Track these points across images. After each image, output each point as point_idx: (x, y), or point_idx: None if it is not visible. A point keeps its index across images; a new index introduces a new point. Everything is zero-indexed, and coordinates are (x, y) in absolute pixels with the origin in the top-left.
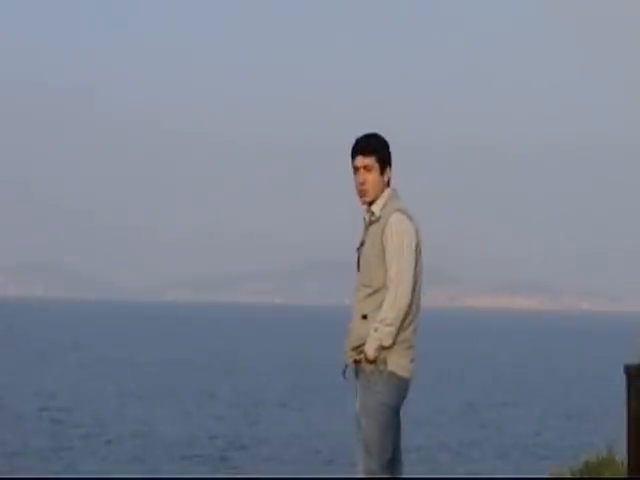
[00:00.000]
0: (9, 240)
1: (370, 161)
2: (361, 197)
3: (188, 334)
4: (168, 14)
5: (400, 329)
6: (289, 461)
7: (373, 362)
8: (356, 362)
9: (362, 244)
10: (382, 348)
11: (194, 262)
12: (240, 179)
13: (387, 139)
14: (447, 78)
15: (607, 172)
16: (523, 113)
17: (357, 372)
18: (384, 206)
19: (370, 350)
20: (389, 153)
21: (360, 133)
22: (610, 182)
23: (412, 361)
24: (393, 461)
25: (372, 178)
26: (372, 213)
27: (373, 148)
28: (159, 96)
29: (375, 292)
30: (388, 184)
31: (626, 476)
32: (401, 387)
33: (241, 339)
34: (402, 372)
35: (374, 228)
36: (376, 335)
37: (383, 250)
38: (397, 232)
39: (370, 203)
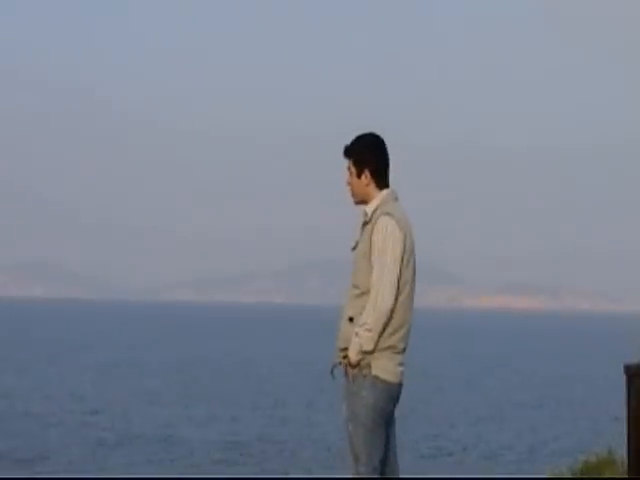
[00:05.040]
0: (9, 240)
1: (349, 164)
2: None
3: (191, 335)
4: (168, 14)
5: (385, 334)
6: (302, 462)
7: (356, 366)
8: (343, 365)
9: (356, 245)
10: (364, 353)
11: (195, 262)
12: (240, 178)
13: (374, 139)
14: (447, 78)
15: (607, 172)
16: (524, 113)
17: (344, 375)
18: (376, 208)
19: (352, 355)
20: (370, 155)
21: (361, 131)
22: (610, 182)
23: (400, 365)
24: (385, 464)
25: (353, 180)
26: (365, 214)
27: (350, 152)
28: (159, 96)
29: (363, 294)
30: (381, 186)
31: (626, 476)
32: (387, 390)
33: (245, 339)
34: (387, 376)
35: (366, 229)
36: (356, 340)
37: (371, 252)
38: (382, 237)
39: (361, 204)
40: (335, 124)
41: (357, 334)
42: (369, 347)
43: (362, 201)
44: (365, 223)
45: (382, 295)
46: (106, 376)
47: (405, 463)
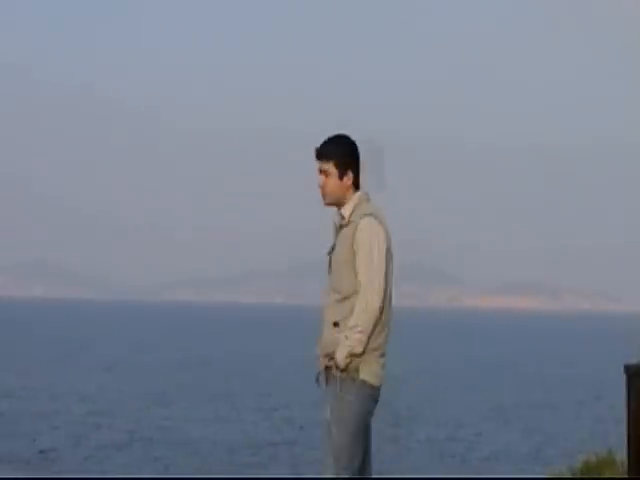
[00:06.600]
0: (9, 240)
1: (328, 166)
2: (322, 199)
3: (192, 335)
4: (168, 14)
5: (372, 336)
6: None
7: (344, 370)
8: (327, 368)
9: (333, 248)
10: (353, 356)
11: (194, 262)
12: (240, 178)
13: (352, 141)
14: (447, 77)
15: (607, 171)
16: (522, 112)
17: (328, 379)
18: (353, 210)
19: (341, 358)
20: (351, 157)
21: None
22: (610, 181)
23: (383, 368)
24: (362, 467)
25: (331, 182)
26: (342, 217)
27: (331, 154)
28: (159, 95)
29: (345, 298)
30: (357, 187)
31: (626, 476)
32: (373, 395)
33: (245, 340)
34: (374, 380)
35: (344, 232)
36: (347, 342)
37: (353, 255)
38: (368, 236)
39: (338, 206)
40: (335, 124)
41: (347, 337)
42: (359, 350)
43: (335, 203)
44: (342, 226)
45: (372, 295)
46: (108, 376)
47: (408, 463)
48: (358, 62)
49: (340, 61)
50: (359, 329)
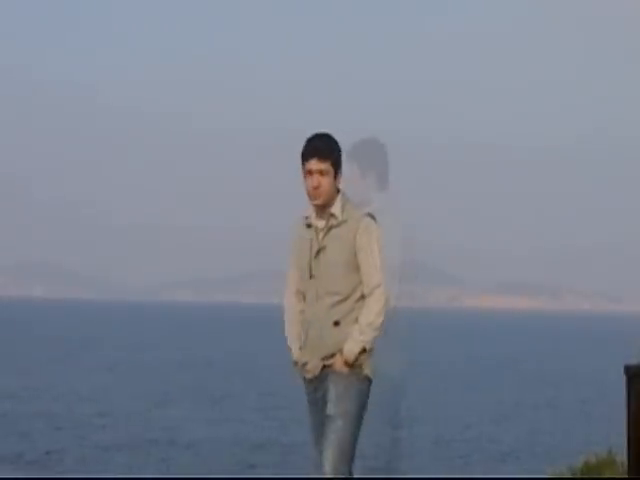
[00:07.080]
0: (8, 240)
1: (326, 166)
2: (313, 199)
3: (192, 335)
4: (168, 14)
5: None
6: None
7: (351, 365)
8: (324, 367)
9: (319, 250)
10: (363, 352)
11: (194, 262)
12: (239, 178)
13: (340, 141)
14: (447, 77)
15: (607, 171)
16: (522, 111)
17: (325, 376)
18: (343, 210)
19: (354, 352)
20: (341, 157)
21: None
22: (610, 181)
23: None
24: None
25: (327, 182)
26: (333, 216)
27: (328, 153)
28: (159, 96)
29: (344, 299)
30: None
31: (626, 476)
32: (370, 391)
33: (246, 340)
34: (372, 377)
35: (338, 232)
36: (362, 338)
37: (353, 254)
38: (375, 237)
39: (326, 207)
40: (334, 124)
41: (362, 332)
42: (371, 346)
43: (327, 204)
44: (332, 226)
45: (387, 292)
46: (109, 376)
47: (409, 463)
48: (358, 62)
49: (340, 61)
50: (375, 326)
